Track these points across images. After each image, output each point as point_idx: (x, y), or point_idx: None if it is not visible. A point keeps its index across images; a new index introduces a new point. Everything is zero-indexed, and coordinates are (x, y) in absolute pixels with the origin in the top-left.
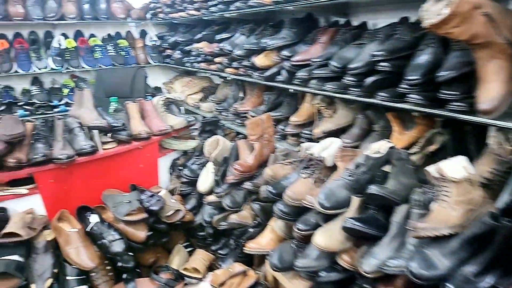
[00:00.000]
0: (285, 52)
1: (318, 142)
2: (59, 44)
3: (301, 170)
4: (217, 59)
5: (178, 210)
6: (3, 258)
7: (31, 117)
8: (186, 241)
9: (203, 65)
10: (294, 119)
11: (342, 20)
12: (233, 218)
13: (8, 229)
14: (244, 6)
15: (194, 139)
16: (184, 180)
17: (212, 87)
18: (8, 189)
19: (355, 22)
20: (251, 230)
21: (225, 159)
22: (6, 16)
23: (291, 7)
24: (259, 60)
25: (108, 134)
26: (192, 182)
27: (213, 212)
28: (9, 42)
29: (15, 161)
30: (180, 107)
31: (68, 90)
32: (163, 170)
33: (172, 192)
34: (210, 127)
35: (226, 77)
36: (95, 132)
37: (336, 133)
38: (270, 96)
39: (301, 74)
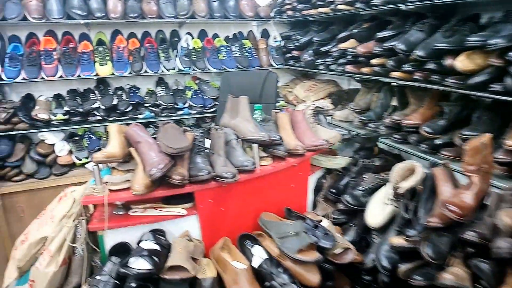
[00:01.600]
0: None
1: None
2: (187, 44)
3: None
4: (374, 61)
5: (347, 249)
6: None
7: (156, 119)
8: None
9: (350, 68)
10: (510, 143)
11: None
12: (448, 278)
13: (173, 261)
14: None
15: (338, 155)
16: (342, 207)
17: (342, 92)
18: (166, 208)
19: None
20: None
21: (413, 192)
22: (140, 14)
23: None
24: (462, 63)
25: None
26: (353, 211)
27: (393, 258)
28: (139, 42)
29: (180, 178)
30: (327, 117)
31: (192, 92)
32: (310, 190)
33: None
34: (370, 144)
35: (366, 80)
36: (255, 146)
37: None
38: (451, 108)
39: None
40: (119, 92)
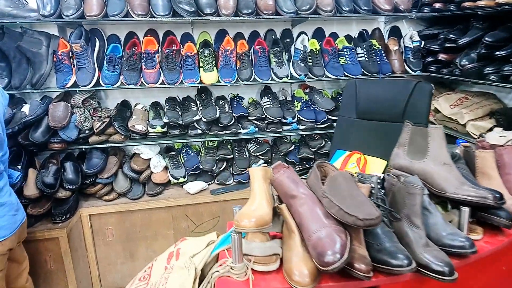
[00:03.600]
0: None
1: None
2: (303, 45)
3: None
4: None
5: None
6: None
7: (259, 135)
8: None
9: None
10: None
11: None
12: None
13: None
14: None
15: None
16: None
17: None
18: None
19: None
20: None
21: None
22: (254, 10)
23: None
24: None
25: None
26: None
27: None
28: (247, 43)
29: (365, 268)
30: None
31: (301, 104)
32: None
33: None
34: None
35: None
36: (465, 212)
37: None
38: None
39: None
40: (221, 102)
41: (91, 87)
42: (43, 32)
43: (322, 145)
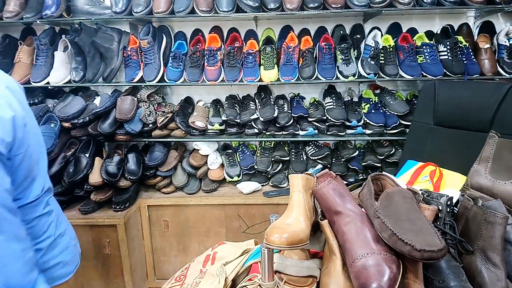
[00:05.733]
0: None
1: None
2: (375, 42)
3: None
4: None
5: None
6: None
7: (319, 137)
8: None
9: None
10: None
11: None
12: None
13: None
14: None
15: None
16: None
17: None
18: None
19: None
20: None
21: None
22: (321, 4)
23: None
24: None
25: None
26: None
27: None
28: (312, 40)
29: None
30: None
31: (369, 106)
32: None
33: None
34: None
35: None
36: None
37: None
38: None
39: None
40: (281, 101)
41: (156, 82)
42: (115, 28)
43: (391, 152)
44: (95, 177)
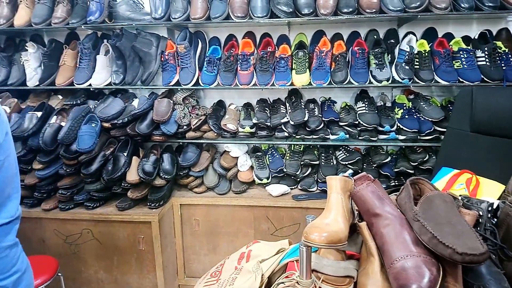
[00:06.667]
0: None
1: None
2: (409, 46)
3: None
4: None
5: None
6: None
7: (350, 142)
8: None
9: None
10: None
11: None
12: None
13: None
14: None
15: None
16: None
17: None
18: None
19: None
20: None
21: None
22: (355, 9)
23: None
24: None
25: None
26: None
27: None
28: (345, 44)
29: None
30: None
31: (403, 111)
32: None
33: None
34: None
35: None
36: None
37: None
38: None
39: None
40: (311, 105)
41: (191, 86)
42: (154, 33)
43: (425, 159)
44: (132, 175)
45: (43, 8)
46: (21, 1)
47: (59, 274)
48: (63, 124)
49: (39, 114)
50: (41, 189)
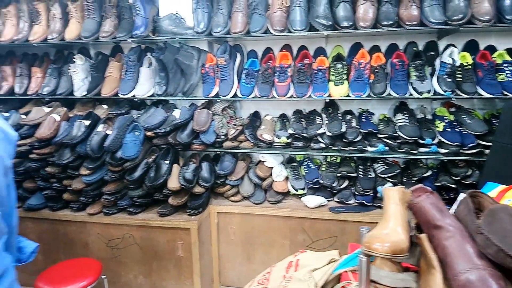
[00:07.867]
0: None
1: None
2: (451, 59)
3: None
4: None
5: None
6: None
7: (390, 154)
8: None
9: None
10: None
11: None
12: None
13: None
14: None
15: None
16: None
17: None
18: None
19: None
20: None
21: None
22: (395, 21)
23: None
24: None
25: None
26: None
27: None
28: (384, 57)
29: None
30: None
31: (444, 124)
32: None
33: None
34: None
35: None
36: None
37: None
38: None
39: None
40: (348, 117)
41: (230, 97)
42: (195, 47)
43: (467, 174)
44: (173, 183)
45: (92, 22)
46: (72, 16)
47: (103, 276)
48: (108, 132)
49: (87, 122)
50: (87, 194)
